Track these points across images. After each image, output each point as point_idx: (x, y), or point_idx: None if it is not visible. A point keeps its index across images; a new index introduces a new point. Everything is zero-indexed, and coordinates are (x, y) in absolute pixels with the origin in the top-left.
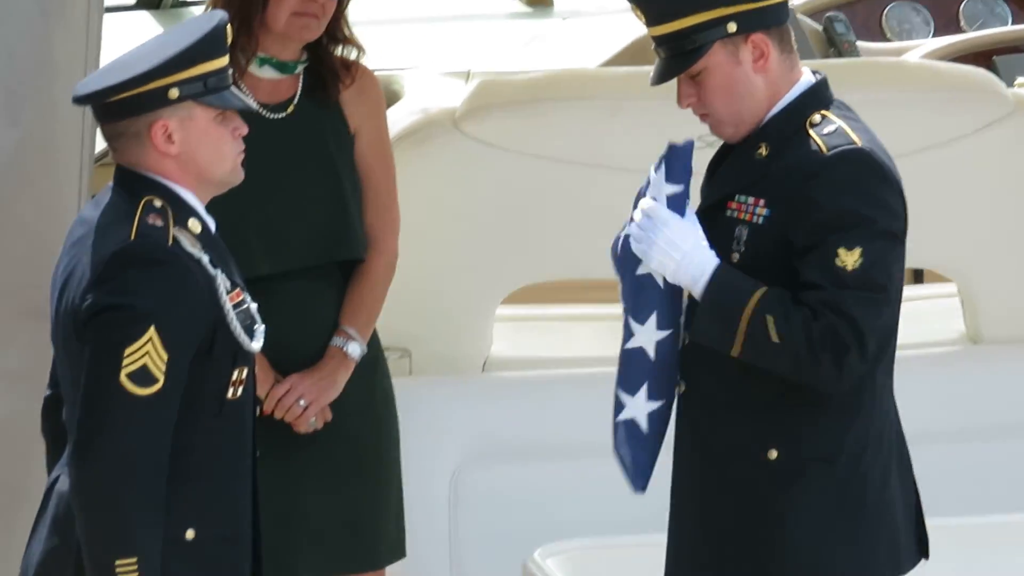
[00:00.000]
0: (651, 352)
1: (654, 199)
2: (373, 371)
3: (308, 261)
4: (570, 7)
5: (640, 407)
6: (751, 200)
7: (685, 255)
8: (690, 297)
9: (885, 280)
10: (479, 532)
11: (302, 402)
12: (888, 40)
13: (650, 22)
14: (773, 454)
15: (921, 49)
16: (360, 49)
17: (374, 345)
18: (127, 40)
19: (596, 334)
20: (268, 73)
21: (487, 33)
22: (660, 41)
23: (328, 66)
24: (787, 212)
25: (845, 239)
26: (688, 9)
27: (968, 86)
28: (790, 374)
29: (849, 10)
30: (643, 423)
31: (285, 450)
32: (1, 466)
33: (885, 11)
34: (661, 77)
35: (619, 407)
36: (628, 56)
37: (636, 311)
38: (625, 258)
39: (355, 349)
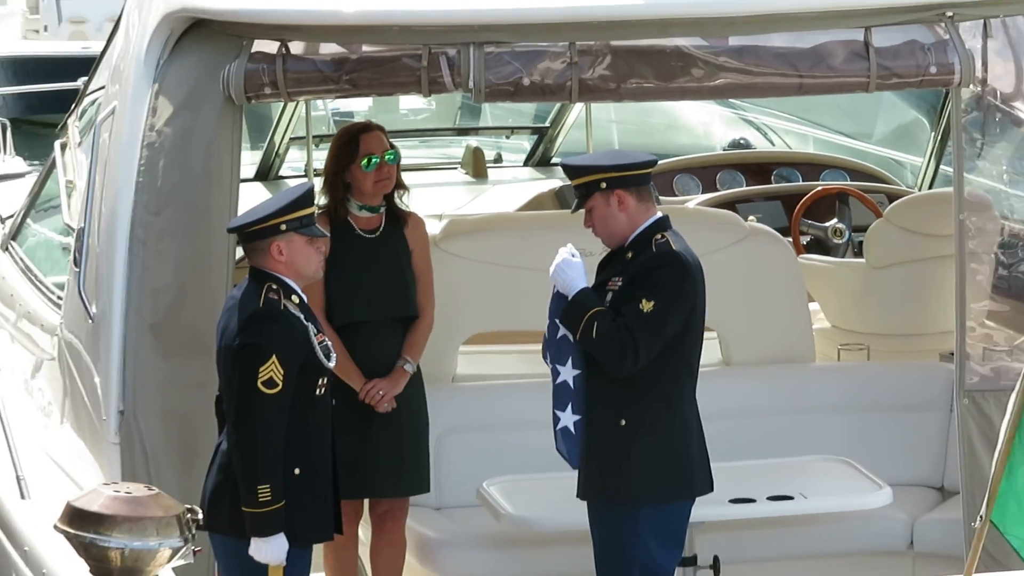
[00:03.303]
0: (571, 384)
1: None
2: (418, 380)
3: (387, 315)
4: (497, 178)
5: (569, 419)
6: (617, 279)
7: (567, 276)
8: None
9: (662, 324)
10: (456, 469)
11: (381, 392)
12: (676, 195)
13: (568, 178)
14: (622, 422)
15: (695, 201)
16: (407, 190)
17: (418, 367)
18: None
19: (523, 360)
20: (364, 213)
21: (450, 193)
22: (573, 188)
23: (398, 209)
24: (630, 283)
25: (648, 295)
26: (581, 174)
27: (722, 221)
28: (599, 357)
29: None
30: (572, 428)
31: (365, 422)
32: (186, 435)
33: (674, 179)
34: (574, 209)
35: (556, 420)
36: (532, 206)
37: (559, 358)
38: (551, 329)
39: (410, 367)
